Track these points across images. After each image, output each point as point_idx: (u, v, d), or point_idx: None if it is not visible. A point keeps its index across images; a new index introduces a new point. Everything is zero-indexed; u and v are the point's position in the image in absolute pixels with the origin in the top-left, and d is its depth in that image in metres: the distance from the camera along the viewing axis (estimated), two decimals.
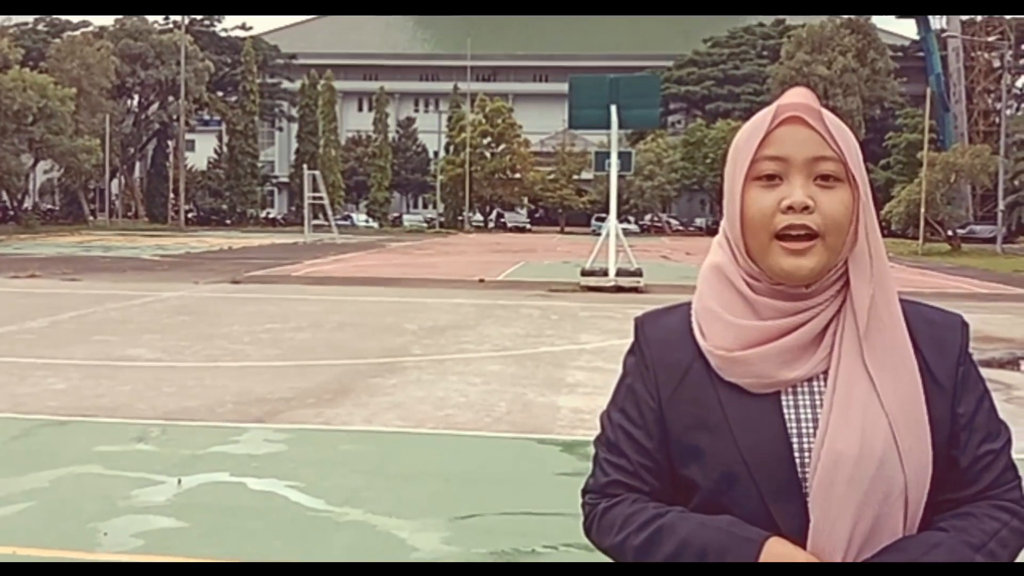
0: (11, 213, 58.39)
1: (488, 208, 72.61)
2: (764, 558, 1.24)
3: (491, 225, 72.02)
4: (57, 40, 59.90)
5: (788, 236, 1.27)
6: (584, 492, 1.43)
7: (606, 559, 1.40)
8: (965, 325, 1.38)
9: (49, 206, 70.30)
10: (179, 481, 5.98)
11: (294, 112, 74.97)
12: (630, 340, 1.44)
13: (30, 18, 66.61)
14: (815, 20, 60.52)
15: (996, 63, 63.75)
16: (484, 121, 67.86)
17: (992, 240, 46.48)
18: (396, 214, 75.11)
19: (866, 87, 60.84)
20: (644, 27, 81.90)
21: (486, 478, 6.32)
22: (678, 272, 25.16)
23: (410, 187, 79.31)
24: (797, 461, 1.28)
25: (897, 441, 1.26)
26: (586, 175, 62.35)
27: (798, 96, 1.32)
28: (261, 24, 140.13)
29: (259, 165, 72.25)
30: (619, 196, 23.60)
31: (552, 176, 68.30)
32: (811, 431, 1.29)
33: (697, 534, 1.28)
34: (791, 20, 67.02)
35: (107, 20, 66.81)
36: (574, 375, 10.12)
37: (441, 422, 7.85)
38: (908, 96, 63.12)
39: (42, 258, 28.41)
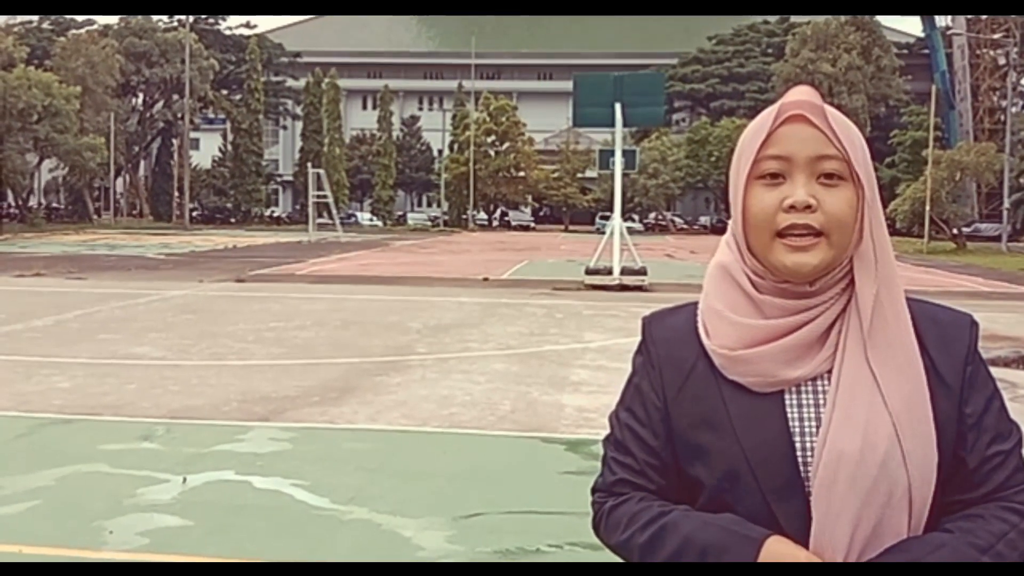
0: (16, 212, 58.51)
1: (492, 206, 72.58)
2: (763, 557, 1.23)
3: (495, 223, 71.99)
4: (62, 38, 59.98)
5: (790, 234, 1.27)
6: (593, 491, 1.44)
7: (610, 559, 1.41)
8: (974, 324, 1.37)
9: (54, 205, 70.44)
10: (184, 479, 5.99)
11: (298, 110, 75.03)
12: (635, 338, 1.46)
13: (35, 16, 66.74)
14: (820, 18, 60.42)
15: (1002, 60, 63.64)
16: (488, 119, 67.85)
17: (997, 238, 46.40)
18: (400, 212, 75.11)
19: (871, 85, 60.74)
20: (648, 25, 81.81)
21: (490, 477, 6.32)
22: (683, 271, 25.14)
23: (414, 185, 79.32)
24: (800, 460, 1.28)
25: (901, 441, 1.25)
26: (590, 173, 62.25)
27: (801, 94, 1.31)
28: (265, 22, 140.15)
29: (263, 163, 72.27)
30: (623, 194, 23.58)
31: (556, 174, 68.25)
32: (814, 430, 1.29)
33: (699, 533, 1.28)
34: (796, 18, 66.88)
35: (112, 18, 66.81)
36: (578, 374, 10.12)
37: (445, 420, 7.85)
38: (913, 94, 62.98)
39: (47, 256, 28.47)
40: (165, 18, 68.39)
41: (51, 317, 14.04)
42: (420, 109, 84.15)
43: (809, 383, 1.30)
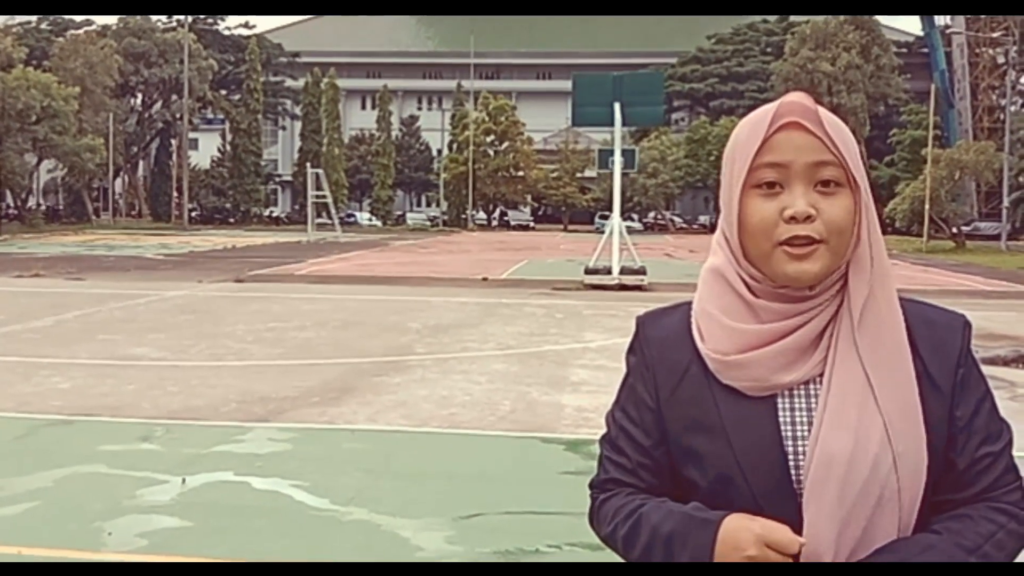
0: (15, 212, 58.49)
1: (491, 206, 72.58)
2: (722, 534, 1.25)
3: (494, 223, 71.99)
4: (60, 39, 59.96)
5: (791, 244, 1.27)
6: (590, 486, 1.48)
7: (608, 559, 1.45)
8: (967, 325, 1.37)
9: (53, 205, 70.38)
10: (183, 480, 5.99)
11: (297, 110, 75.03)
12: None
13: (33, 17, 66.71)
14: (819, 17, 60.40)
15: (1001, 59, 63.63)
16: (487, 119, 67.83)
17: (996, 237, 46.40)
18: (399, 212, 75.12)
19: (870, 84, 60.72)
20: (648, 24, 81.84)
21: (490, 477, 6.32)
22: (682, 270, 25.14)
23: (413, 185, 79.31)
24: (791, 464, 1.29)
25: (892, 444, 1.26)
26: (590, 173, 62.25)
27: (795, 99, 1.30)
28: (264, 22, 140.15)
29: (263, 163, 72.27)
30: (623, 194, 23.58)
31: (556, 174, 68.25)
32: (806, 433, 1.29)
33: (664, 521, 1.31)
34: (795, 17, 66.89)
35: (111, 19, 66.83)
36: (578, 373, 10.11)
37: (445, 421, 7.85)
38: (912, 93, 62.95)
39: (46, 257, 28.46)
40: (164, 18, 68.41)
41: (50, 318, 14.04)
42: (419, 109, 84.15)
43: (802, 386, 1.31)
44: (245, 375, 9.75)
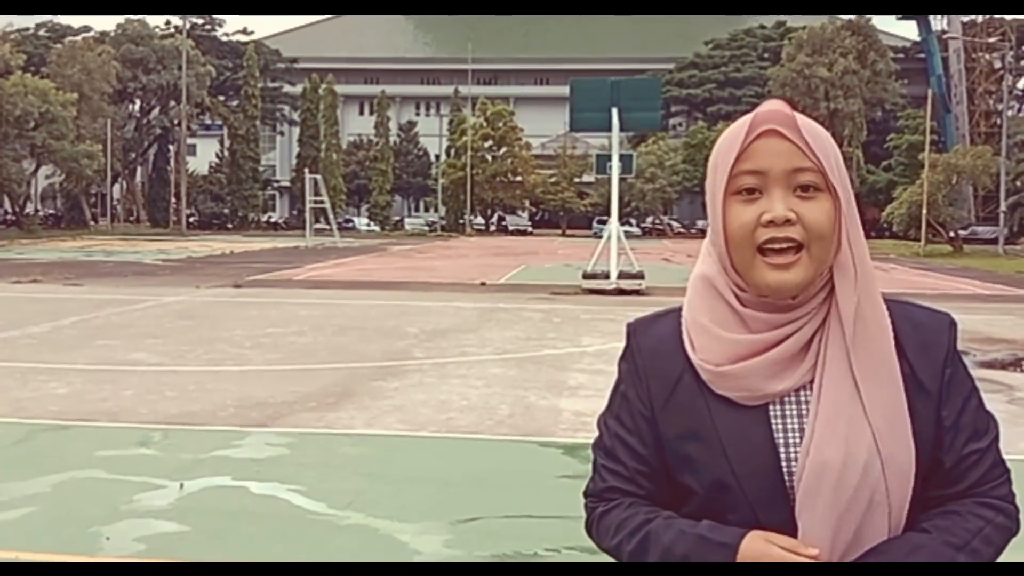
0: (13, 218, 58.44)
1: (489, 211, 72.61)
2: (742, 559, 1.27)
3: (492, 228, 72.01)
4: (58, 45, 59.99)
5: (771, 250, 1.28)
6: (585, 495, 1.48)
7: (608, 560, 1.44)
8: (953, 325, 1.38)
9: (51, 211, 70.32)
10: (181, 485, 5.98)
11: (295, 116, 75.04)
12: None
13: (31, 23, 66.74)
14: (816, 22, 60.53)
15: (997, 64, 63.81)
16: (485, 124, 67.90)
17: (994, 241, 46.45)
18: (397, 218, 75.10)
19: (867, 89, 60.80)
20: (645, 30, 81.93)
21: (488, 481, 6.32)
22: (680, 275, 25.13)
23: (411, 191, 79.32)
24: (784, 470, 1.31)
25: (880, 449, 1.28)
26: (587, 178, 62.28)
27: (773, 107, 1.32)
28: (262, 28, 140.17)
29: (261, 169, 72.26)
30: (620, 199, 23.58)
31: (553, 179, 68.30)
32: (798, 440, 1.31)
33: (678, 542, 1.32)
34: (792, 22, 67.05)
35: (108, 25, 67.25)
36: (576, 378, 10.12)
37: (443, 425, 7.85)
38: (909, 98, 63.09)
39: (44, 263, 28.43)
40: (162, 24, 68.52)
41: (48, 323, 14.03)
42: (417, 114, 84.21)
43: (793, 394, 1.33)
44: (243, 380, 9.75)
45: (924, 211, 39.63)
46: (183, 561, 4.68)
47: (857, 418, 1.28)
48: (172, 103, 67.34)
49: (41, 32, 66.93)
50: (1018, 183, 50.82)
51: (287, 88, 76.08)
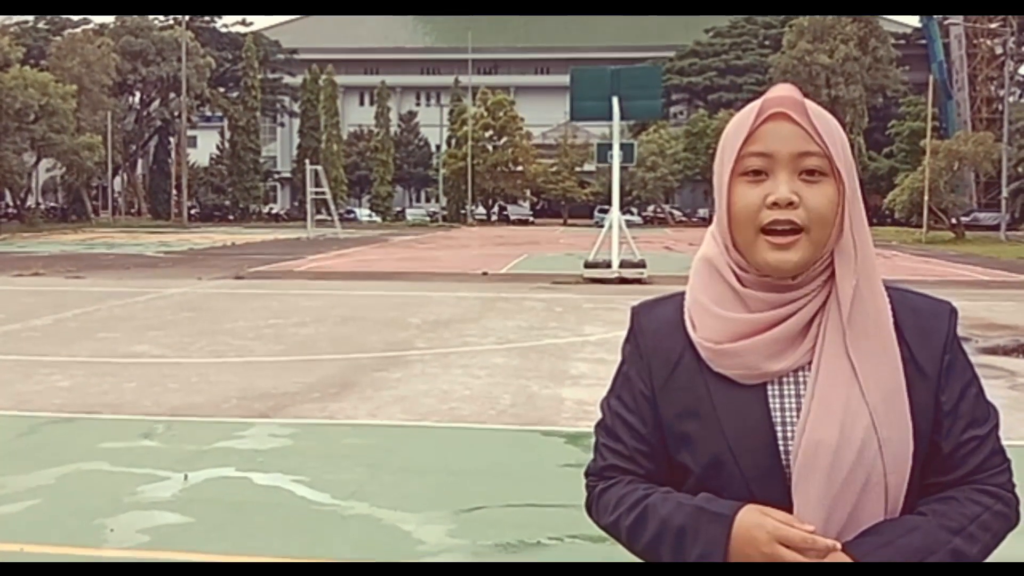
0: (14, 212, 58.45)
1: (491, 201, 72.58)
2: (736, 531, 1.28)
3: (494, 218, 71.99)
4: (58, 38, 59.88)
5: (773, 231, 1.30)
6: (586, 474, 1.50)
7: (610, 551, 1.43)
8: (953, 312, 1.40)
9: (52, 204, 70.36)
10: (185, 477, 6.00)
11: (296, 107, 74.99)
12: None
13: (30, 16, 66.61)
14: None
15: (999, 50, 63.58)
16: (486, 114, 67.81)
17: (996, 227, 46.37)
18: (399, 208, 75.09)
19: (868, 75, 60.66)
20: (645, 18, 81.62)
21: (491, 471, 6.33)
22: (681, 263, 25.12)
23: (412, 181, 79.28)
24: (781, 449, 1.32)
25: (877, 430, 1.29)
26: (588, 167, 62.24)
27: (783, 91, 1.34)
28: (262, 20, 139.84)
29: (261, 161, 72.25)
30: (622, 188, 23.56)
31: (554, 168, 68.23)
32: (795, 420, 1.32)
33: (675, 514, 1.33)
34: None
35: (108, 17, 66.70)
36: (578, 367, 10.13)
37: (445, 415, 7.86)
38: (911, 84, 62.92)
39: (46, 256, 28.45)
40: (161, 16, 68.30)
41: (50, 316, 14.04)
42: (417, 105, 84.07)
43: (791, 374, 1.34)
44: (245, 371, 9.76)
45: (926, 198, 39.58)
46: (187, 558, 4.69)
47: (855, 399, 1.29)
48: (172, 95, 67.27)
49: (40, 25, 66.79)
50: (1020, 169, 50.68)
51: (287, 79, 75.98)
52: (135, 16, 64.54)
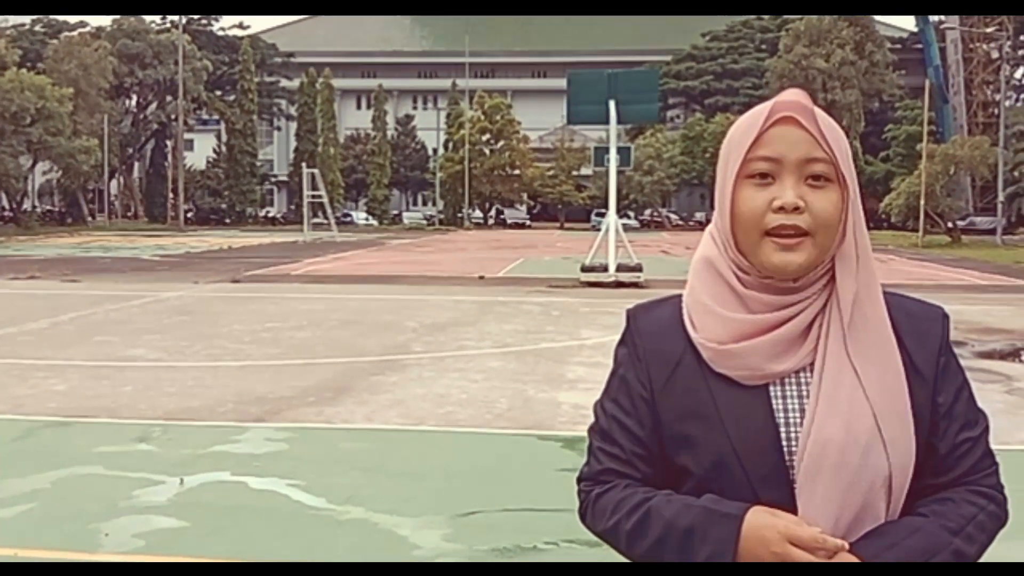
0: (10, 215, 58.34)
1: (487, 205, 72.58)
2: (746, 531, 1.27)
3: (491, 222, 71.99)
4: (54, 41, 59.85)
5: (778, 234, 1.31)
6: (579, 480, 1.49)
7: (607, 556, 1.43)
8: (946, 317, 1.42)
9: (48, 207, 70.28)
10: (181, 481, 5.98)
11: (293, 111, 74.97)
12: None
13: (27, 19, 66.63)
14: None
15: (995, 54, 63.73)
16: (483, 118, 67.84)
17: (992, 231, 46.44)
18: (396, 212, 75.13)
19: (865, 80, 60.79)
20: (642, 22, 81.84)
21: (487, 475, 6.32)
22: (678, 267, 25.14)
23: (409, 184, 79.29)
24: (785, 450, 1.33)
25: (881, 431, 1.30)
26: (585, 171, 62.31)
27: (793, 96, 1.35)
28: (259, 23, 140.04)
29: (258, 164, 72.24)
30: (618, 191, 23.58)
31: (551, 172, 68.28)
32: (798, 421, 1.33)
33: (681, 515, 1.33)
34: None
35: (104, 20, 66.95)
36: (575, 371, 10.12)
37: (442, 419, 7.85)
38: (907, 88, 63.07)
39: (42, 259, 28.41)
40: (158, 19, 68.37)
41: (46, 320, 14.01)
42: (414, 108, 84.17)
43: (793, 376, 1.35)
44: (242, 375, 9.75)
45: (922, 202, 39.64)
46: (183, 559, 4.68)
47: (858, 399, 1.30)
48: (169, 98, 67.24)
49: (37, 28, 66.78)
50: (1016, 173, 50.81)
51: (284, 82, 76.00)
52: (132, 19, 64.57)
